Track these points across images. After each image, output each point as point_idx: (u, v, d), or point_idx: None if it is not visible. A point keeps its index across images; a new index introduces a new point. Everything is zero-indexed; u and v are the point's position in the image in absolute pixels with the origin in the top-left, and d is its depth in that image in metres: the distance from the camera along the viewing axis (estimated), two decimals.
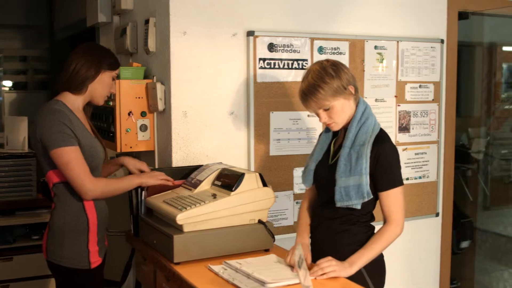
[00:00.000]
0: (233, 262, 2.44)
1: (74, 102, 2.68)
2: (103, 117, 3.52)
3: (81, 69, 2.65)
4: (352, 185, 2.45)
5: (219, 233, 2.55)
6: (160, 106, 3.20)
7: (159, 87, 3.19)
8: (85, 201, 2.63)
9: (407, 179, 3.86)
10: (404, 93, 3.83)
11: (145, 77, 3.38)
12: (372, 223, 2.60)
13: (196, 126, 3.21)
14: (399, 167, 2.51)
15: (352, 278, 2.35)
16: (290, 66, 3.41)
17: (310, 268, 2.35)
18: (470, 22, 4.21)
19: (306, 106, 2.52)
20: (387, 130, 2.61)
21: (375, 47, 3.69)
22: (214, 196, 2.58)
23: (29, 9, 7.29)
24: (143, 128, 3.33)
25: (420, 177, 3.96)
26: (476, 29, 4.83)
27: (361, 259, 2.41)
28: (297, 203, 3.45)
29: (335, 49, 3.53)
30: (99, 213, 2.70)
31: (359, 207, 2.48)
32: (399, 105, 3.82)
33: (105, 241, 2.82)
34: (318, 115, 2.51)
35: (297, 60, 3.43)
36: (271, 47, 3.35)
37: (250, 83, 3.30)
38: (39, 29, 7.42)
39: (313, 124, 3.49)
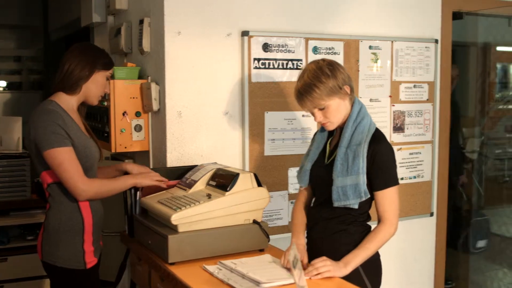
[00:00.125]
0: (228, 262, 2.44)
1: (68, 102, 2.68)
2: (97, 117, 3.51)
3: (75, 69, 2.65)
4: (350, 185, 2.45)
5: (214, 233, 2.55)
6: (155, 106, 3.20)
7: (154, 87, 3.18)
8: (80, 202, 2.63)
9: (402, 178, 3.86)
10: (399, 93, 3.84)
11: (140, 77, 3.37)
12: (369, 223, 2.61)
13: (191, 126, 3.21)
14: (395, 167, 2.52)
15: (349, 277, 2.36)
16: (284, 66, 3.41)
17: (306, 268, 2.35)
18: (464, 22, 4.22)
19: (301, 105, 2.52)
20: (381, 130, 2.61)
21: (370, 47, 3.70)
22: (209, 196, 2.58)
23: (23, 9, 7.27)
24: (138, 128, 3.33)
25: (414, 177, 3.97)
26: (470, 29, 4.84)
27: (355, 259, 2.41)
28: (291, 203, 3.46)
29: (329, 49, 3.54)
30: (94, 213, 2.69)
31: (356, 206, 2.48)
32: (393, 105, 3.83)
33: (100, 242, 2.82)
34: (313, 114, 2.52)
35: (291, 60, 3.43)
36: (266, 47, 3.35)
37: (245, 83, 3.30)
38: (33, 29, 7.40)
39: (307, 124, 3.49)
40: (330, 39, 3.55)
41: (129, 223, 2.89)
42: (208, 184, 2.74)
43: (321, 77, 2.43)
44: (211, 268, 2.40)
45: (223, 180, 2.65)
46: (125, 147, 3.31)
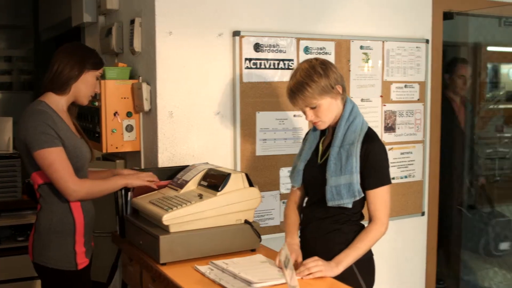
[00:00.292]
0: (220, 262, 2.44)
1: (58, 102, 2.67)
2: (88, 118, 3.50)
3: (64, 69, 2.64)
4: (343, 184, 2.46)
5: (206, 233, 2.55)
6: (146, 107, 3.19)
7: (145, 87, 3.18)
8: (71, 202, 2.62)
9: (393, 178, 3.85)
10: (390, 93, 3.85)
11: (131, 77, 3.36)
12: (362, 222, 2.61)
13: (182, 126, 3.21)
14: (387, 166, 2.53)
15: (343, 276, 2.37)
16: (276, 66, 3.41)
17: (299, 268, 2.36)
18: (455, 22, 4.23)
19: (293, 104, 2.52)
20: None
21: (361, 47, 3.70)
22: (200, 196, 2.58)
23: (13, 9, 7.24)
24: (129, 128, 3.32)
25: (406, 177, 3.98)
26: (461, 29, 4.86)
27: (347, 258, 2.42)
28: (283, 203, 3.46)
29: (321, 49, 3.54)
30: (85, 214, 2.68)
31: (350, 205, 2.49)
32: (384, 105, 3.83)
33: (92, 242, 2.81)
34: (304, 113, 2.52)
35: (283, 60, 3.43)
36: (257, 47, 3.35)
37: (236, 83, 3.30)
38: (24, 29, 7.37)
39: (299, 124, 3.49)
40: (321, 39, 3.55)
41: (121, 223, 2.88)
42: (199, 184, 2.74)
43: (313, 76, 2.43)
44: (203, 268, 2.40)
45: (215, 180, 2.65)
46: (116, 148, 3.31)
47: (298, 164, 2.66)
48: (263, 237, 2.73)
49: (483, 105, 5.74)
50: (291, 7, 3.47)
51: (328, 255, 2.43)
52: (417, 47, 3.94)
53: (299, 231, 2.70)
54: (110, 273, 3.21)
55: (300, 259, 2.49)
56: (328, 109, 2.48)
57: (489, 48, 5.57)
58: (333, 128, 2.57)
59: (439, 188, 4.19)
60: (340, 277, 2.36)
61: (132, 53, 3.40)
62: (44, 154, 2.50)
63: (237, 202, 2.60)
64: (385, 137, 3.83)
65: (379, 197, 2.48)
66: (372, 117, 3.75)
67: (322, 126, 2.54)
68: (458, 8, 4.11)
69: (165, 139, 3.17)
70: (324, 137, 2.66)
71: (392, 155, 3.86)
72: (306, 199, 2.74)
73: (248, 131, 3.35)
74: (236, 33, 3.28)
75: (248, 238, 2.64)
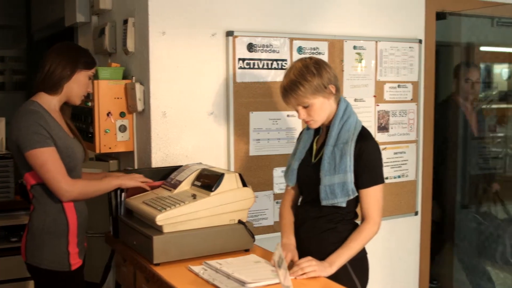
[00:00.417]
0: (213, 262, 2.44)
1: (50, 102, 2.66)
2: (81, 118, 3.49)
3: (56, 68, 2.63)
4: (337, 183, 2.46)
5: (199, 233, 2.54)
6: (139, 107, 3.19)
7: (138, 88, 3.17)
8: (64, 203, 2.61)
9: (387, 178, 3.87)
10: (383, 93, 3.86)
11: (124, 77, 3.36)
12: (356, 221, 2.62)
13: (176, 127, 3.20)
14: (381, 165, 2.54)
15: (338, 275, 2.38)
16: (269, 66, 3.41)
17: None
18: (447, 23, 4.25)
19: (285, 102, 2.53)
20: None
21: (354, 47, 3.71)
22: (194, 196, 2.58)
23: (6, 9, 7.21)
24: (122, 128, 3.31)
25: (399, 176, 3.99)
26: (453, 30, 4.87)
27: (340, 258, 2.43)
28: (277, 203, 3.46)
29: (314, 49, 3.55)
30: (79, 214, 2.68)
31: (344, 205, 2.49)
32: (378, 105, 3.84)
33: (85, 243, 2.80)
34: (297, 111, 2.52)
35: (276, 60, 3.43)
36: (251, 47, 3.35)
37: (230, 83, 3.30)
38: (16, 29, 7.34)
39: (292, 124, 3.49)
40: (315, 39, 3.56)
41: (114, 224, 2.88)
42: (193, 184, 2.74)
43: (306, 76, 2.44)
44: (196, 268, 2.39)
45: (208, 180, 2.65)
46: (110, 148, 3.30)
47: (293, 163, 2.66)
48: (256, 237, 2.73)
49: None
50: (285, 7, 3.47)
51: (322, 254, 2.43)
52: (410, 47, 3.95)
53: (296, 230, 2.70)
54: (104, 274, 3.20)
55: (296, 258, 2.49)
56: (321, 109, 2.49)
57: (482, 48, 5.58)
58: (327, 127, 2.58)
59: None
60: (334, 276, 2.36)
61: (125, 53, 3.39)
62: (36, 154, 2.49)
63: (230, 202, 2.60)
64: (378, 137, 3.84)
65: (372, 196, 2.49)
66: (366, 117, 3.76)
67: (314, 125, 2.55)
68: (451, 8, 4.12)
69: (158, 139, 3.17)
70: (318, 136, 2.66)
71: (386, 155, 3.87)
72: (300, 198, 2.75)
73: (241, 131, 3.35)
74: (229, 33, 3.28)
75: (242, 238, 2.64)
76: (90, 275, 3.13)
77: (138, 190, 2.82)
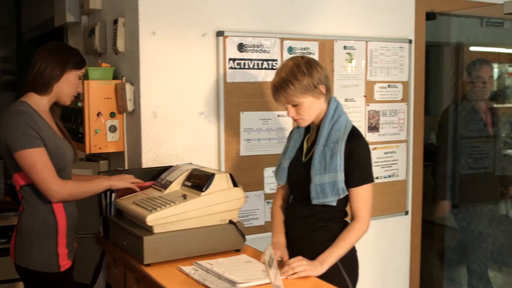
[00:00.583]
0: (204, 262, 2.44)
1: (39, 102, 2.64)
2: (71, 118, 3.48)
3: (46, 68, 2.62)
4: (328, 182, 2.47)
5: (190, 233, 2.54)
6: (130, 107, 3.18)
7: (128, 88, 3.16)
8: (54, 204, 2.60)
9: (377, 178, 3.89)
10: (373, 93, 3.87)
11: (114, 77, 3.35)
12: (346, 219, 2.63)
13: (166, 127, 3.20)
14: (371, 164, 2.56)
15: (329, 274, 2.40)
16: (260, 66, 3.41)
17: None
18: (437, 23, 4.26)
19: (275, 99, 2.54)
20: None
21: (344, 47, 3.71)
22: (184, 196, 2.57)
23: None
24: (113, 129, 3.30)
25: (389, 176, 4.00)
26: (443, 30, 4.89)
27: (330, 257, 2.44)
28: (268, 203, 3.46)
29: (304, 49, 3.55)
30: (68, 215, 2.67)
31: (334, 203, 2.51)
32: (368, 105, 3.85)
33: (74, 244, 2.79)
34: (286, 109, 2.54)
35: (267, 60, 3.44)
36: (241, 47, 3.35)
37: (220, 83, 3.29)
38: (6, 29, 7.30)
39: (283, 124, 3.50)
40: (305, 39, 3.56)
41: (104, 224, 2.87)
42: (183, 184, 2.73)
43: (297, 75, 2.45)
44: (187, 269, 2.39)
45: (199, 181, 2.65)
46: (100, 148, 3.29)
47: (283, 162, 2.67)
48: (247, 237, 2.73)
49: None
50: (275, 7, 3.47)
51: (313, 253, 2.45)
52: (400, 47, 3.96)
53: (287, 229, 2.70)
54: (94, 275, 3.19)
55: (286, 257, 2.51)
56: (310, 108, 2.50)
57: (472, 48, 5.61)
58: (317, 126, 2.59)
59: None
60: (325, 275, 2.38)
61: (115, 53, 3.38)
62: (26, 155, 2.48)
63: (221, 202, 2.60)
64: (368, 137, 3.85)
65: (362, 195, 2.50)
66: (356, 117, 3.76)
67: (303, 123, 2.56)
68: (440, 9, 4.14)
69: (148, 140, 3.16)
70: (309, 135, 2.67)
71: (376, 155, 3.88)
72: (291, 197, 2.75)
73: (232, 131, 3.35)
74: (219, 33, 3.28)
75: (233, 238, 2.64)
76: (81, 276, 3.12)
77: (129, 191, 2.81)
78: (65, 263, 2.66)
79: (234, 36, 3.32)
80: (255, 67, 3.40)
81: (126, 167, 3.33)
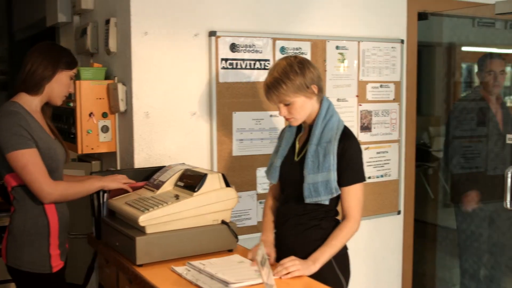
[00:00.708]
0: (197, 263, 2.43)
1: (31, 103, 2.64)
2: (63, 118, 3.47)
3: (37, 69, 2.61)
4: (321, 181, 2.49)
5: (182, 234, 2.54)
6: (122, 107, 3.17)
7: (121, 88, 3.16)
8: (46, 204, 2.59)
9: (369, 177, 3.90)
10: (366, 93, 3.88)
11: (106, 77, 3.34)
12: (337, 218, 2.65)
13: (158, 127, 3.19)
14: (362, 164, 2.58)
15: (323, 271, 2.42)
16: (252, 66, 3.41)
17: (273, 265, 2.37)
18: (429, 23, 4.28)
19: (267, 98, 2.56)
20: None
21: (337, 47, 3.72)
22: (177, 197, 2.57)
23: None
24: (105, 129, 3.30)
25: (382, 176, 4.00)
26: (435, 30, 4.91)
27: (323, 255, 2.45)
28: (260, 203, 3.46)
29: (297, 49, 3.55)
30: (60, 216, 2.66)
31: (327, 202, 2.53)
32: (360, 105, 3.86)
33: (66, 244, 2.78)
34: (278, 108, 2.55)
35: (259, 60, 3.44)
36: (233, 47, 3.35)
37: (213, 83, 3.29)
38: None
39: (275, 124, 3.50)
40: (298, 39, 3.56)
41: (97, 225, 2.86)
42: (176, 185, 2.73)
43: (289, 74, 2.46)
44: (180, 269, 2.39)
45: (191, 181, 2.65)
46: (92, 148, 3.28)
47: (275, 161, 2.69)
48: (240, 237, 2.73)
49: (457, 104, 5.80)
50: (267, 7, 3.47)
51: (306, 252, 2.46)
52: (392, 47, 3.97)
53: (276, 228, 2.73)
54: (86, 275, 3.19)
55: (273, 255, 2.55)
56: (302, 107, 2.51)
57: (463, 48, 5.63)
58: (309, 126, 2.60)
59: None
60: (319, 272, 2.40)
61: (107, 53, 3.38)
62: (17, 156, 2.47)
63: (213, 202, 2.60)
64: (361, 137, 3.86)
65: (354, 194, 2.52)
66: (348, 116, 3.77)
67: (295, 123, 2.57)
68: (432, 9, 4.15)
69: (141, 140, 3.16)
70: (300, 134, 2.68)
71: (368, 155, 3.89)
72: (282, 196, 2.76)
73: (224, 131, 3.35)
74: (212, 33, 3.27)
75: (225, 238, 2.64)
76: (73, 276, 3.11)
77: (121, 191, 2.81)
78: (57, 264, 2.65)
79: (226, 36, 3.32)
80: (248, 67, 3.40)
81: (119, 168, 3.32)
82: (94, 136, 3.27)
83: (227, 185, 2.66)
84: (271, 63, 3.45)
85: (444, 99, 5.76)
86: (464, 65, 5.99)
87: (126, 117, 3.22)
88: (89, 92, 3.24)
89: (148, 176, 2.91)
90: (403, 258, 4.22)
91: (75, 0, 3.76)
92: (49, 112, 2.78)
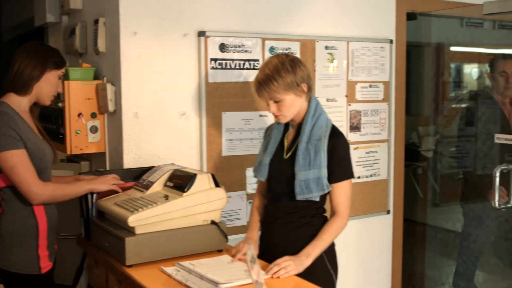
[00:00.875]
0: (186, 263, 2.43)
1: (20, 103, 2.62)
2: (52, 119, 3.45)
3: (25, 69, 2.60)
4: (312, 178, 2.53)
5: (172, 234, 2.53)
6: (111, 107, 3.16)
7: (109, 88, 3.15)
8: (34, 205, 2.58)
9: (359, 177, 3.91)
10: (355, 93, 3.88)
11: (95, 78, 3.33)
12: (325, 214, 2.69)
13: (148, 127, 3.19)
14: (351, 160, 2.63)
15: (315, 266, 2.47)
16: (241, 67, 3.41)
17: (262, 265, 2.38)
18: (418, 23, 4.29)
19: (258, 94, 2.59)
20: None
21: (326, 47, 3.73)
22: (166, 197, 2.57)
23: None
24: (94, 129, 3.28)
25: (371, 175, 4.02)
26: (424, 30, 4.93)
27: (315, 250, 2.50)
28: (250, 203, 3.46)
29: (286, 49, 3.56)
30: (49, 217, 2.65)
31: (318, 199, 2.57)
32: (350, 105, 3.87)
33: (55, 245, 2.77)
34: (268, 105, 2.58)
35: (248, 60, 3.44)
36: (223, 47, 3.35)
37: (202, 83, 3.29)
38: None
39: (265, 124, 3.49)
40: (287, 39, 3.57)
41: (86, 225, 2.85)
42: (165, 185, 2.72)
43: (281, 72, 2.50)
44: (169, 269, 2.38)
45: (181, 181, 2.64)
46: (81, 149, 3.27)
47: (264, 159, 2.70)
48: (229, 237, 2.74)
49: (446, 104, 5.82)
50: (256, 7, 3.47)
51: (296, 250, 2.50)
52: (381, 47, 3.98)
53: (265, 227, 2.75)
54: (76, 276, 3.17)
55: (256, 252, 2.57)
56: (291, 105, 2.55)
57: (452, 48, 5.66)
58: (298, 124, 2.64)
59: None
60: (311, 267, 2.45)
61: (96, 54, 3.36)
62: (6, 157, 2.46)
63: (203, 202, 2.59)
64: (350, 137, 3.87)
65: (343, 190, 2.57)
66: (338, 116, 3.78)
67: (283, 120, 2.61)
68: (421, 9, 4.17)
69: (130, 140, 3.15)
70: (288, 132, 2.70)
71: (358, 154, 3.90)
72: (270, 194, 2.77)
73: (214, 131, 3.35)
74: (201, 33, 3.27)
75: (215, 238, 2.64)
76: (62, 277, 3.10)
77: (110, 192, 2.80)
78: (45, 265, 2.64)
79: (215, 36, 3.32)
80: (237, 67, 3.40)
81: (108, 168, 3.31)
82: (83, 136, 3.26)
83: (217, 185, 2.66)
84: (261, 63, 3.45)
85: (433, 99, 5.79)
86: (452, 65, 6.02)
87: (115, 117, 3.21)
88: (78, 93, 3.23)
89: (138, 177, 2.90)
90: (392, 258, 4.23)
91: (63, 0, 3.74)
92: (37, 112, 2.77)
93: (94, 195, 2.79)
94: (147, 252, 2.47)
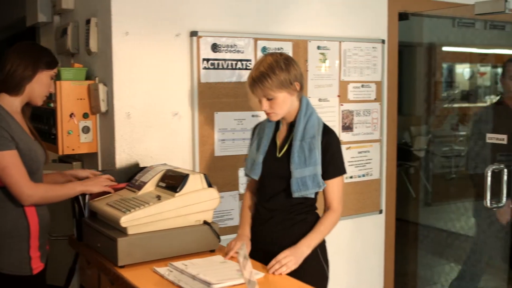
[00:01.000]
0: (179, 263, 2.43)
1: (12, 103, 2.61)
2: (44, 119, 3.44)
3: (17, 69, 2.58)
4: (308, 175, 2.58)
5: (164, 235, 2.53)
6: (103, 108, 3.16)
7: (101, 88, 3.14)
8: (26, 207, 2.57)
9: (351, 177, 3.92)
10: (347, 93, 3.89)
11: (87, 78, 3.32)
12: (317, 211, 2.74)
13: (140, 127, 3.18)
14: (343, 157, 2.69)
15: (308, 260, 2.52)
16: (234, 67, 3.41)
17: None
18: (410, 23, 4.31)
19: (252, 92, 2.62)
20: None
21: (318, 47, 3.73)
22: (159, 197, 2.57)
23: None
24: (86, 130, 3.28)
25: (363, 175, 4.02)
26: (416, 30, 4.95)
27: (314, 240, 2.57)
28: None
29: (278, 49, 3.56)
30: (40, 218, 2.63)
31: (313, 196, 2.63)
32: (342, 105, 3.87)
33: (47, 246, 2.76)
34: (260, 102, 2.61)
35: (240, 60, 3.44)
36: (215, 47, 3.35)
37: (194, 83, 3.29)
38: None
39: None
40: (279, 39, 3.57)
41: (78, 226, 2.84)
42: (157, 185, 2.72)
43: (275, 69, 2.54)
44: (162, 270, 2.38)
45: (173, 181, 2.64)
46: (73, 149, 3.26)
47: (257, 157, 2.72)
48: (222, 237, 2.73)
49: (438, 104, 5.85)
50: (249, 7, 3.48)
51: (292, 245, 2.53)
52: (373, 47, 3.99)
53: (260, 225, 2.76)
54: (68, 277, 3.17)
55: (249, 248, 2.62)
56: (283, 103, 2.58)
57: (444, 48, 5.68)
58: (290, 123, 2.68)
59: None
60: (305, 261, 2.49)
61: (88, 54, 3.35)
62: None
63: (195, 203, 2.60)
64: (342, 136, 3.87)
65: (336, 186, 2.64)
66: (330, 116, 3.78)
67: (275, 117, 2.64)
68: (413, 9, 4.18)
69: (122, 141, 3.14)
70: (279, 131, 2.73)
71: (350, 154, 3.91)
72: (262, 193, 2.79)
73: (206, 131, 3.35)
74: (193, 34, 3.27)
75: (207, 238, 2.64)
76: (54, 278, 3.09)
77: (103, 192, 2.79)
78: (37, 266, 2.63)
79: (208, 36, 3.32)
80: (229, 67, 3.40)
81: (100, 168, 3.30)
82: (75, 136, 3.25)
83: (209, 185, 2.66)
84: (253, 63, 3.45)
85: (424, 99, 5.81)
86: (444, 65, 6.05)
87: (107, 117, 3.20)
88: (70, 93, 3.22)
89: (130, 177, 2.90)
90: (385, 257, 4.24)
91: (55, 0, 3.73)
92: (28, 112, 2.75)
93: (86, 196, 2.78)
94: (139, 253, 2.47)
